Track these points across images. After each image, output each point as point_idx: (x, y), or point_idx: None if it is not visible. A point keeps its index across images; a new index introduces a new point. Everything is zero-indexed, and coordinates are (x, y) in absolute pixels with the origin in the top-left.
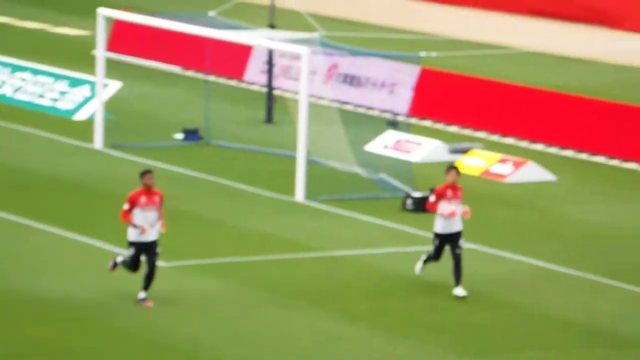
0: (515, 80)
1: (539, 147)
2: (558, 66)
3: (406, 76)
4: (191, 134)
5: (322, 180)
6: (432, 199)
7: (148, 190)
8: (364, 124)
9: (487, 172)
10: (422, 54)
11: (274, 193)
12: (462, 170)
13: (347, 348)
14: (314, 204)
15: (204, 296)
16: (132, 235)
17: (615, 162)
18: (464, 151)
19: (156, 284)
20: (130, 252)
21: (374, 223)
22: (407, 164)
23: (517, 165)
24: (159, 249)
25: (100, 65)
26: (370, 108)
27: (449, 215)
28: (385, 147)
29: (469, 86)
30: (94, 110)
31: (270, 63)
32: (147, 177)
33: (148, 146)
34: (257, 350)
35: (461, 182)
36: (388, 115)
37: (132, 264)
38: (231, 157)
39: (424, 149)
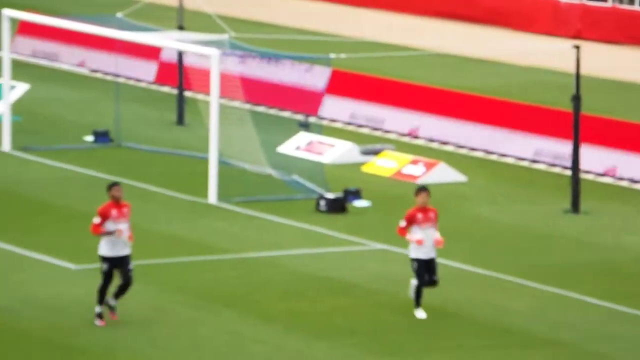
0: (422, 81)
1: (449, 148)
2: (463, 67)
3: (317, 78)
4: (101, 136)
5: (234, 182)
6: (402, 224)
7: (117, 203)
8: (276, 125)
9: (399, 174)
10: (332, 55)
11: (186, 195)
12: (374, 171)
13: (262, 349)
14: (226, 206)
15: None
16: (105, 249)
17: (524, 163)
18: (375, 152)
19: (68, 287)
20: (102, 267)
21: (287, 224)
22: (319, 165)
23: (428, 166)
24: (131, 266)
25: (6, 67)
26: (282, 109)
27: (417, 243)
28: (298, 148)
29: (378, 87)
30: (1, 112)
31: (180, 64)
32: (115, 190)
33: (58, 148)
34: (172, 353)
35: (372, 183)
36: (300, 117)
37: (105, 280)
38: (142, 159)
39: (336, 150)
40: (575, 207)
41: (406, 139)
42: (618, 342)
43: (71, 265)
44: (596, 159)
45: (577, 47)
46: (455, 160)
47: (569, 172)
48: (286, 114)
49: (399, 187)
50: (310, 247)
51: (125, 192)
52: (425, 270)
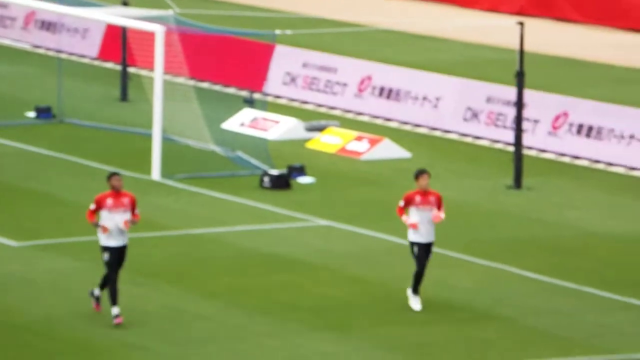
0: (369, 58)
1: (394, 124)
2: (407, 43)
3: (262, 54)
4: (44, 112)
5: (178, 158)
6: (400, 203)
7: (116, 193)
8: (220, 101)
9: (343, 150)
10: (277, 32)
11: (129, 171)
12: (318, 147)
13: (205, 325)
14: (170, 182)
15: (59, 276)
16: (103, 239)
17: (468, 139)
18: (320, 129)
19: (9, 264)
20: (103, 257)
21: (231, 201)
22: (263, 141)
23: (372, 142)
24: (126, 258)
25: None
26: (226, 85)
27: (411, 227)
28: (242, 124)
29: (323, 64)
30: None
31: (124, 40)
32: (114, 179)
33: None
34: (114, 329)
35: (317, 159)
36: (245, 93)
37: (110, 270)
38: (85, 136)
39: (280, 126)
40: (517, 182)
41: (350, 116)
42: (560, 317)
43: (12, 243)
44: (539, 134)
45: (521, 24)
46: (399, 136)
47: (511, 148)
48: (230, 90)
49: (343, 164)
50: (254, 224)
51: (68, 168)
52: (424, 253)
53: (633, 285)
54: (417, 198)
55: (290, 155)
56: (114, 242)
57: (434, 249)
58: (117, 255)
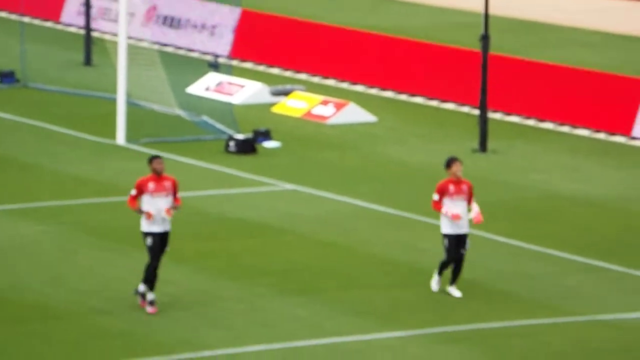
0: (334, 22)
1: (359, 88)
2: (376, 7)
3: (227, 18)
4: (7, 77)
5: (143, 122)
6: (435, 197)
7: (158, 176)
8: (185, 66)
9: (309, 114)
10: None
11: (94, 136)
12: (284, 111)
13: (173, 290)
14: (135, 147)
15: (24, 241)
16: (145, 225)
17: (434, 103)
18: (285, 93)
19: None
20: (147, 242)
21: (197, 165)
22: (228, 106)
23: (338, 106)
24: (168, 248)
25: None
26: (190, 50)
27: (453, 218)
28: (207, 89)
29: (289, 28)
30: None
31: (87, 4)
32: (155, 162)
33: None
34: (81, 294)
35: (282, 124)
36: (209, 58)
37: (153, 257)
38: (49, 100)
39: (245, 91)
40: (483, 146)
41: (316, 80)
42: (525, 279)
43: None
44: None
45: None
46: (365, 100)
47: (477, 112)
48: (195, 54)
49: (308, 128)
50: (220, 188)
51: (32, 133)
52: (455, 245)
53: (596, 248)
54: (451, 188)
55: (255, 119)
56: (156, 228)
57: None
58: (159, 241)
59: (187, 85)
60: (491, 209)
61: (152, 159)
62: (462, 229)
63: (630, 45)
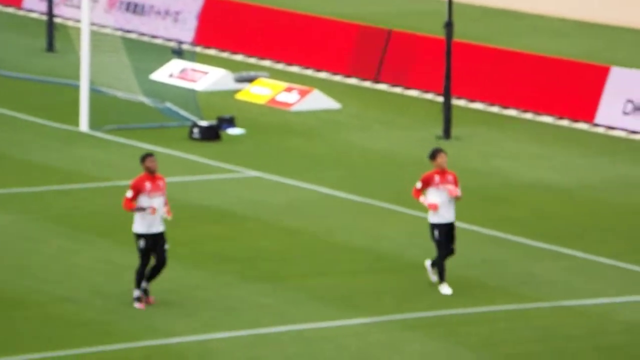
0: (298, 9)
1: (323, 75)
2: None
3: (190, 4)
4: None
5: (106, 109)
6: (418, 185)
7: (151, 175)
8: (148, 52)
9: (273, 101)
10: None
11: (57, 123)
12: (248, 98)
13: (133, 276)
14: (98, 134)
15: None
16: (140, 226)
17: (397, 90)
18: (249, 80)
19: None
20: (139, 245)
21: (161, 152)
22: (192, 92)
23: (302, 93)
24: (167, 245)
25: None
26: (154, 37)
27: (430, 208)
28: (171, 75)
29: (252, 14)
30: None
31: None
32: (149, 161)
33: None
34: (47, 283)
35: (246, 110)
36: (173, 44)
37: (143, 260)
38: (12, 87)
39: (209, 77)
40: (447, 133)
41: (280, 67)
42: (489, 266)
43: None
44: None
45: None
46: (329, 87)
47: (441, 99)
48: (159, 41)
49: (273, 115)
50: (183, 175)
51: None
52: (445, 236)
53: (560, 234)
54: (436, 178)
55: (219, 106)
56: (151, 230)
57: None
58: (153, 243)
59: (151, 72)
60: None
61: (145, 157)
62: (449, 217)
63: (594, 33)
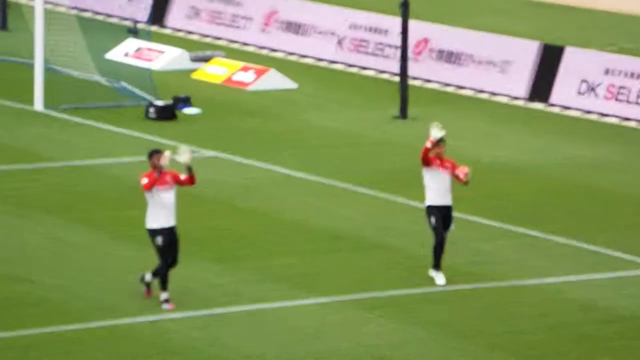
0: None
1: (280, 55)
2: None
3: None
4: None
5: (61, 88)
6: (428, 144)
7: (159, 172)
8: (103, 31)
9: (229, 80)
10: None
11: (11, 102)
12: (204, 78)
13: (89, 256)
14: (53, 113)
15: None
16: (154, 222)
17: (354, 70)
18: (205, 59)
19: None
20: (157, 242)
21: (116, 132)
22: (148, 72)
23: (259, 73)
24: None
25: None
26: (109, 15)
27: (431, 142)
28: (126, 55)
29: None
30: None
31: None
32: (156, 158)
33: None
34: None
35: (202, 90)
36: (128, 23)
37: (163, 258)
38: None
39: (165, 57)
40: (403, 113)
41: (236, 46)
42: (445, 246)
43: None
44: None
45: None
46: (285, 67)
47: (397, 79)
48: (114, 20)
49: (229, 94)
50: (139, 155)
51: None
52: (442, 220)
53: (514, 214)
54: (437, 161)
55: (175, 85)
56: (164, 224)
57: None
58: (169, 238)
59: (106, 51)
60: (411, 175)
61: (152, 153)
62: (446, 200)
63: (545, 13)
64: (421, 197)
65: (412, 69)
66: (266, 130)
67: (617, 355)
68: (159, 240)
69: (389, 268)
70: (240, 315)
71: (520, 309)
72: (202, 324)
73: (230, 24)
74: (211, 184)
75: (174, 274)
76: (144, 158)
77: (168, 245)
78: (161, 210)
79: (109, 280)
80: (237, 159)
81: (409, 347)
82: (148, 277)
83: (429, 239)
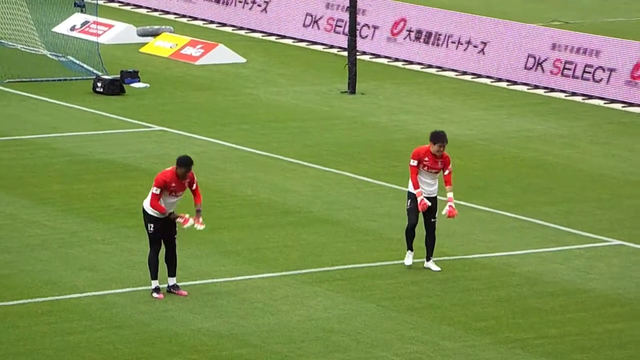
0: None
1: (228, 29)
2: None
3: None
4: None
5: (7, 62)
6: (412, 163)
7: (180, 180)
8: (50, 5)
9: (177, 54)
10: None
11: None
12: (152, 52)
13: (38, 232)
14: None
15: None
16: (152, 210)
17: (303, 44)
18: (153, 34)
19: None
20: (149, 229)
21: (63, 106)
22: (95, 46)
23: (207, 48)
24: (176, 232)
25: None
26: None
27: (420, 206)
28: (73, 29)
29: None
30: None
31: None
32: (184, 170)
33: None
34: None
35: (150, 64)
36: None
37: (154, 247)
38: None
39: (112, 31)
40: (352, 87)
41: (184, 20)
42: (393, 219)
43: None
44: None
45: None
46: (233, 41)
47: (345, 54)
48: None
49: (177, 68)
50: (87, 129)
51: None
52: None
53: (460, 187)
54: (426, 160)
55: (123, 60)
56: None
57: None
58: (163, 226)
59: (53, 25)
60: (359, 150)
61: (182, 163)
62: (431, 193)
63: None
64: (367, 172)
65: (391, 49)
66: (214, 105)
67: (563, 328)
68: (152, 227)
69: (337, 242)
70: (188, 290)
71: (468, 283)
72: (150, 298)
73: None
74: (159, 158)
75: (121, 249)
76: (92, 132)
77: (162, 233)
78: (162, 205)
79: (58, 254)
80: (185, 133)
81: (358, 320)
82: (154, 283)
83: (376, 213)
